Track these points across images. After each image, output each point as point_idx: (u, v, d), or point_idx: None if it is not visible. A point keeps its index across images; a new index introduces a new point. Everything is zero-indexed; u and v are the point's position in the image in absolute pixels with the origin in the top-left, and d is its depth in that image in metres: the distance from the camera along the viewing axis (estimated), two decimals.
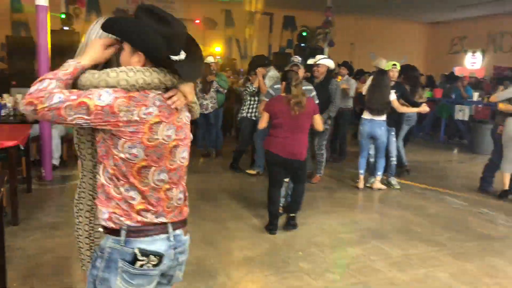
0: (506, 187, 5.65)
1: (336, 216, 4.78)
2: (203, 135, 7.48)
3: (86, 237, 1.82)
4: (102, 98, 1.40)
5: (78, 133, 1.71)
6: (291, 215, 4.31)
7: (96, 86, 1.43)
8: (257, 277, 3.36)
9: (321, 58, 6.18)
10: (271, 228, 4.19)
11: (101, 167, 1.51)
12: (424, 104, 6.01)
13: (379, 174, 5.86)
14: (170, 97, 1.52)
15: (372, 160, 6.02)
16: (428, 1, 13.29)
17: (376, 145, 5.80)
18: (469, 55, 16.63)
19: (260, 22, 15.62)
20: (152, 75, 1.46)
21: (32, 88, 1.39)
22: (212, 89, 7.12)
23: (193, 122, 7.74)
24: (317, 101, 4.74)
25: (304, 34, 14.43)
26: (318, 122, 4.22)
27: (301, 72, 5.14)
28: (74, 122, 1.40)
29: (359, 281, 3.34)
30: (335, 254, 3.82)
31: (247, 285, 3.24)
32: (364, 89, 6.03)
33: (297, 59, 5.44)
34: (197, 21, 14.47)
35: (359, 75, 11.49)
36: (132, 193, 1.49)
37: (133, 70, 1.45)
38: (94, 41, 1.57)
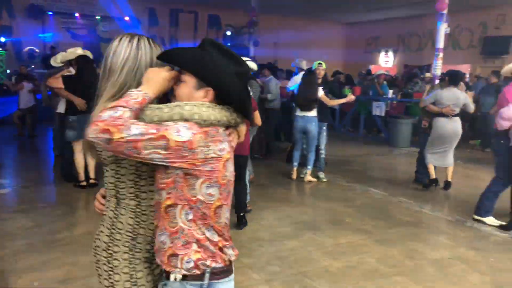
0: (433, 176, 6.13)
1: (272, 212, 5.01)
2: None
3: (126, 281, 1.56)
4: (181, 133, 1.30)
5: (118, 172, 1.51)
6: (240, 214, 4.46)
7: (166, 120, 1.35)
8: None
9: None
10: (238, 223, 4.43)
11: (178, 209, 1.39)
12: (349, 93, 6.55)
13: (309, 168, 6.24)
14: (229, 134, 1.48)
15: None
16: (344, 3, 14.05)
17: (307, 139, 6.16)
18: (382, 54, 17.89)
19: (185, 21, 15.55)
20: (221, 113, 1.41)
21: (105, 115, 1.26)
22: None
23: None
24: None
25: (229, 33, 14.60)
26: (257, 117, 4.45)
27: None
28: (148, 157, 1.29)
29: (298, 271, 3.57)
30: (274, 247, 4.03)
31: None
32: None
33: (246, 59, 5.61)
34: (126, 18, 14.07)
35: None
36: (213, 234, 1.44)
37: (204, 105, 1.38)
38: (156, 72, 1.44)
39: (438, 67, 8.92)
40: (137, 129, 1.26)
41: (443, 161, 6.03)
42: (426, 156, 6.10)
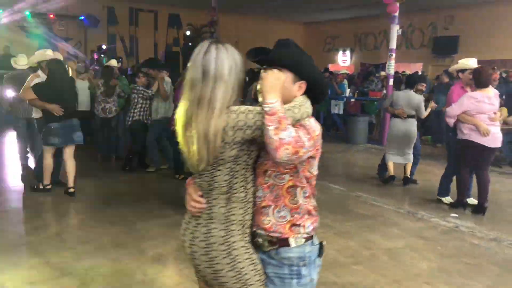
0: (391, 173, 6.51)
1: None
2: (104, 139, 7.36)
3: (250, 264, 1.69)
4: (314, 127, 1.64)
5: (233, 169, 1.65)
6: None
7: (299, 119, 1.63)
8: (172, 271, 3.63)
9: None
10: None
11: (298, 190, 1.71)
12: None
13: None
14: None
15: None
16: (301, 3, 14.42)
17: None
18: (340, 53, 18.44)
19: (145, 20, 15.43)
20: (310, 106, 1.72)
21: (285, 137, 1.49)
22: (114, 93, 7.08)
23: (91, 126, 7.52)
24: None
25: (188, 33, 14.65)
26: None
27: None
28: (304, 156, 1.60)
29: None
30: None
31: (164, 280, 3.48)
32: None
33: None
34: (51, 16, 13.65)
35: None
36: (314, 201, 1.80)
37: (304, 100, 1.70)
38: (276, 77, 1.61)
39: (392, 67, 9.37)
40: (308, 141, 1.57)
41: (401, 159, 6.43)
42: (386, 154, 6.51)
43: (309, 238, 1.75)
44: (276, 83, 1.60)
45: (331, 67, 17.66)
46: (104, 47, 13.49)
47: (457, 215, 5.21)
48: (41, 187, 5.44)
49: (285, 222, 1.70)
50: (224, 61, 1.64)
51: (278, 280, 1.73)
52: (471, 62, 5.54)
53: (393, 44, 9.27)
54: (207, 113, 1.59)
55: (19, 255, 3.80)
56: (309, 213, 1.75)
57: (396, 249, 4.22)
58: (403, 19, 9.65)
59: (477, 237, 4.57)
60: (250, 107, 1.61)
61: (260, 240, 1.73)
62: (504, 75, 9.74)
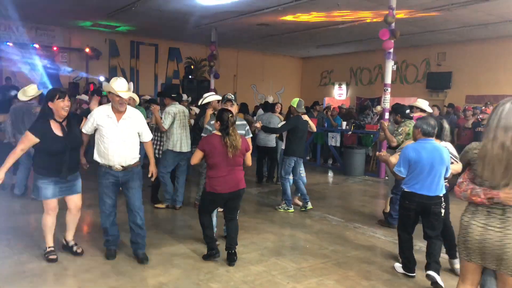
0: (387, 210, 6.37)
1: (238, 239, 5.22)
2: None
3: None
4: None
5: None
6: (232, 251, 4.48)
7: None
8: None
9: (208, 96, 6.07)
10: (214, 253, 4.47)
11: None
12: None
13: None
14: None
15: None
16: (298, 39, 14.85)
17: None
18: (336, 87, 18.81)
19: (146, 52, 15.79)
20: None
21: None
22: None
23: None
24: (250, 135, 5.08)
25: (192, 67, 15.01)
26: (248, 158, 4.51)
27: (235, 108, 5.08)
28: None
29: None
30: (240, 273, 4.26)
31: None
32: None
33: (230, 96, 5.18)
34: (87, 50, 14.17)
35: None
36: None
37: None
38: None
39: (387, 101, 9.60)
40: None
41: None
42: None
43: None
44: None
45: (328, 101, 18.00)
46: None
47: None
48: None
49: None
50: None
51: None
52: (423, 104, 6.30)
53: (388, 79, 9.53)
54: None
55: (19, 284, 3.81)
56: None
57: (395, 280, 4.26)
58: (397, 55, 9.96)
59: None
60: None
61: None
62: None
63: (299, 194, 6.89)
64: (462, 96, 14.00)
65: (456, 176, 4.27)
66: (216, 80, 14.18)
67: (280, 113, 8.78)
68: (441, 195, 4.18)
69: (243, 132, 4.94)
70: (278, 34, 13.99)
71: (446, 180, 4.29)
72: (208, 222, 4.48)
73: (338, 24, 12.09)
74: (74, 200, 4.35)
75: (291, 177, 6.73)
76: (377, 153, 4.75)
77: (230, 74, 17.12)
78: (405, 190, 4.23)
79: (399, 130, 5.85)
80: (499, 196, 2.48)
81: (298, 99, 6.70)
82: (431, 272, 4.11)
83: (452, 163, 4.28)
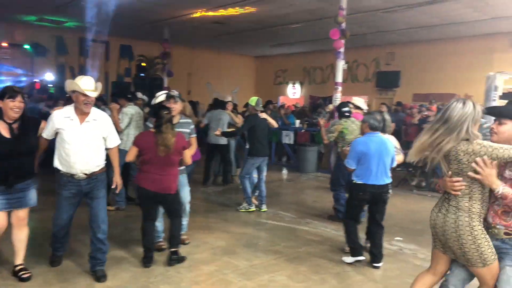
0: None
1: (190, 239, 5.17)
2: None
3: (485, 241, 2.58)
4: None
5: (474, 182, 2.58)
6: (173, 249, 4.40)
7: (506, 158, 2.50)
8: None
9: (161, 95, 5.63)
10: (145, 261, 4.30)
11: None
12: None
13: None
14: None
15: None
16: (251, 38, 14.90)
17: None
18: (290, 86, 19.03)
19: (96, 50, 15.27)
20: None
21: None
22: None
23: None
24: (194, 135, 4.85)
25: (144, 64, 14.65)
26: (187, 156, 4.33)
27: (179, 106, 4.75)
28: None
29: None
30: (192, 273, 4.21)
31: None
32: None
33: (174, 92, 4.87)
34: (4, 45, 13.26)
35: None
36: None
37: None
38: (489, 173, 2.50)
39: (338, 100, 9.80)
40: None
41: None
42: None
43: None
44: (492, 174, 2.49)
45: (282, 99, 18.18)
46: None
47: (401, 239, 5.47)
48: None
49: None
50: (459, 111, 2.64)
51: (508, 257, 2.56)
52: (359, 102, 6.54)
53: (339, 78, 9.73)
54: None
55: None
56: None
57: (344, 272, 4.37)
58: (348, 54, 10.19)
59: (419, 258, 4.82)
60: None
61: (496, 230, 2.60)
62: (440, 107, 10.56)
63: (257, 194, 6.86)
64: (409, 95, 14.55)
65: (400, 165, 4.80)
66: (170, 78, 13.96)
67: (233, 111, 8.71)
68: (389, 183, 4.49)
69: (188, 130, 4.73)
70: (233, 33, 13.95)
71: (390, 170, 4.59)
72: (149, 231, 4.31)
73: (292, 23, 12.22)
74: (18, 214, 3.81)
75: (255, 175, 6.74)
76: (343, 148, 5.26)
77: (184, 72, 16.90)
78: (357, 182, 4.46)
79: (331, 129, 6.00)
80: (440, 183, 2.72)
81: (257, 97, 6.68)
82: (378, 265, 4.45)
83: (395, 154, 4.59)
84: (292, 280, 4.13)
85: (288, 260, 4.66)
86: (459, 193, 2.60)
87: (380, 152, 4.38)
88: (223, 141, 8.21)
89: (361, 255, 4.58)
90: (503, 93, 8.56)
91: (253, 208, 6.64)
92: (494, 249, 2.57)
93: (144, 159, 4.17)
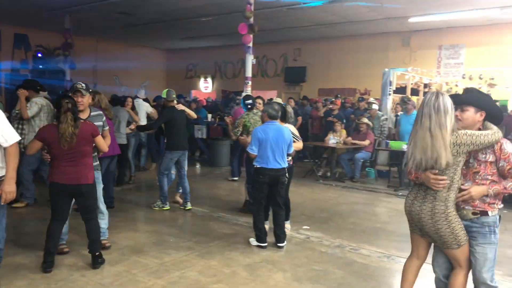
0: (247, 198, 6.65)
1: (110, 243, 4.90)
2: None
3: (458, 224, 2.80)
4: (508, 147, 2.73)
5: (456, 170, 2.76)
6: (96, 253, 4.18)
7: (486, 144, 2.69)
8: None
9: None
10: (45, 266, 4.00)
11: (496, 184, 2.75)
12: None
13: None
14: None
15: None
16: (161, 30, 14.55)
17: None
18: (202, 80, 18.92)
19: None
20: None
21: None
22: None
23: None
24: (107, 127, 4.63)
25: (40, 55, 13.62)
26: (100, 142, 4.18)
27: (87, 99, 4.47)
28: (507, 168, 2.74)
29: None
30: (98, 275, 4.02)
31: None
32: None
33: (80, 84, 4.48)
34: None
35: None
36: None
37: (498, 132, 2.75)
38: (478, 192, 2.74)
39: (248, 93, 9.95)
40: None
41: None
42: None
43: (497, 211, 2.81)
44: (481, 191, 2.74)
45: (194, 93, 18.01)
46: None
47: (308, 227, 5.73)
48: None
49: (485, 202, 2.76)
50: (447, 102, 2.76)
51: (480, 236, 2.78)
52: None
53: (249, 73, 9.88)
54: None
55: None
56: (499, 197, 2.79)
57: (254, 263, 4.47)
58: (258, 50, 10.39)
59: (324, 245, 5.09)
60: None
61: (464, 212, 2.80)
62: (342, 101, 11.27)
63: (180, 191, 6.69)
64: (315, 89, 15.24)
65: (298, 152, 5.51)
66: (73, 71, 13.12)
67: (132, 109, 8.25)
68: (285, 167, 4.96)
69: (100, 123, 4.54)
70: (140, 24, 13.49)
71: (290, 157, 5.19)
72: (55, 232, 4.05)
73: (201, 17, 12.13)
74: None
75: (173, 171, 6.57)
76: (240, 137, 5.76)
77: (88, 64, 15.98)
78: (257, 166, 4.88)
79: (236, 124, 6.10)
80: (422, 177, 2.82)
81: (167, 89, 6.48)
82: (282, 245, 4.96)
83: (294, 141, 5.13)
84: (203, 275, 4.12)
85: (200, 255, 4.65)
86: (440, 188, 2.75)
87: (277, 139, 4.83)
88: (123, 140, 7.54)
89: (264, 242, 4.94)
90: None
91: (167, 207, 6.49)
92: (465, 231, 2.79)
93: (52, 153, 3.92)
